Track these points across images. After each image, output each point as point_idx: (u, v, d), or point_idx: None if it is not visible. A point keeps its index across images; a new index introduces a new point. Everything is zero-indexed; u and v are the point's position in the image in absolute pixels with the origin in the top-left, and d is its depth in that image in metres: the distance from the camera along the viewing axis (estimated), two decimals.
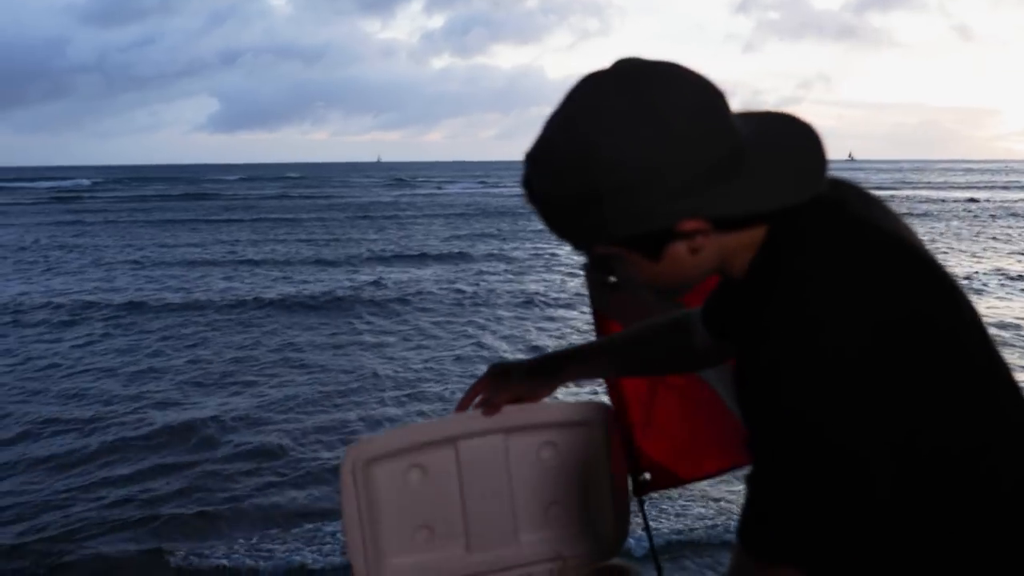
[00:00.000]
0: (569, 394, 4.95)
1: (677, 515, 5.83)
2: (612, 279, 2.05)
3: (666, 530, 5.57)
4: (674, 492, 5.89)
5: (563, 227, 1.14)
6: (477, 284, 17.37)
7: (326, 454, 7.15)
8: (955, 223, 30.79)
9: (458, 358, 10.84)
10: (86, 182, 76.08)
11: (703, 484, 6.10)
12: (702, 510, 5.95)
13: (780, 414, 1.02)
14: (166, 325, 13.14)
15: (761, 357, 1.05)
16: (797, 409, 1.01)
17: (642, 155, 1.02)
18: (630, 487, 2.03)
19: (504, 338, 12.20)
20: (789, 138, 1.13)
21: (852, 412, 1.00)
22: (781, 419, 1.02)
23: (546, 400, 1.87)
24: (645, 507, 2.07)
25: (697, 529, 5.69)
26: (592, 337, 2.09)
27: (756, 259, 1.14)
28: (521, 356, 10.48)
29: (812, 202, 1.09)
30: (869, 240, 1.11)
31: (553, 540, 2.00)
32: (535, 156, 1.12)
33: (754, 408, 1.08)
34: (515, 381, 1.84)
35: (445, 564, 1.95)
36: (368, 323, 13.41)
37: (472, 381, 1.91)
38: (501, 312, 14.26)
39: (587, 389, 5.13)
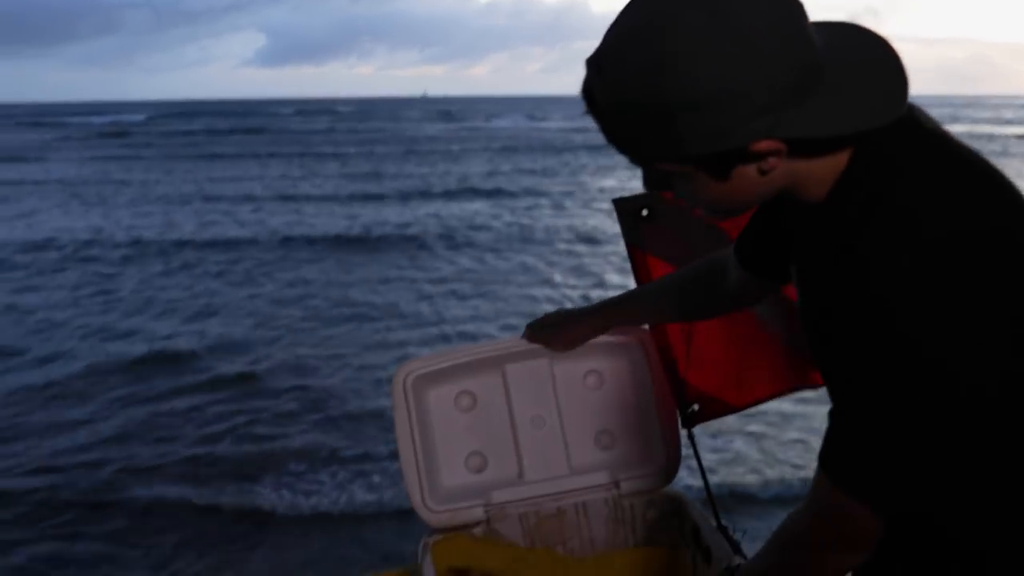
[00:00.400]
0: None
1: (715, 450, 5.88)
2: (645, 212, 2.05)
3: (711, 464, 5.60)
4: (716, 426, 5.91)
5: (626, 142, 1.07)
6: (532, 218, 17.31)
7: (375, 394, 7.20)
8: (1003, 160, 29.99)
9: (514, 296, 10.86)
10: (138, 117, 76.49)
11: (747, 426, 6.15)
12: (742, 447, 6.00)
13: (889, 341, 0.99)
14: (221, 260, 13.33)
15: (865, 286, 1.00)
16: (910, 335, 0.98)
17: (721, 69, 0.95)
18: (679, 418, 2.06)
19: (562, 272, 12.17)
20: (866, 52, 1.06)
21: (962, 334, 0.97)
22: (889, 346, 0.99)
23: None
24: (695, 439, 2.10)
25: (740, 469, 5.74)
26: (628, 270, 2.10)
27: (841, 185, 1.08)
28: (579, 291, 10.52)
29: (894, 123, 1.03)
30: (959, 162, 1.07)
31: (606, 468, 2.04)
32: (602, 64, 1.02)
33: (847, 338, 1.04)
34: (556, 328, 1.95)
35: (499, 490, 2.01)
36: (421, 260, 13.46)
37: (528, 320, 1.97)
38: (560, 246, 14.21)
39: None
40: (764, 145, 1.01)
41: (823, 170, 1.08)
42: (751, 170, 1.05)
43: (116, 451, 6.21)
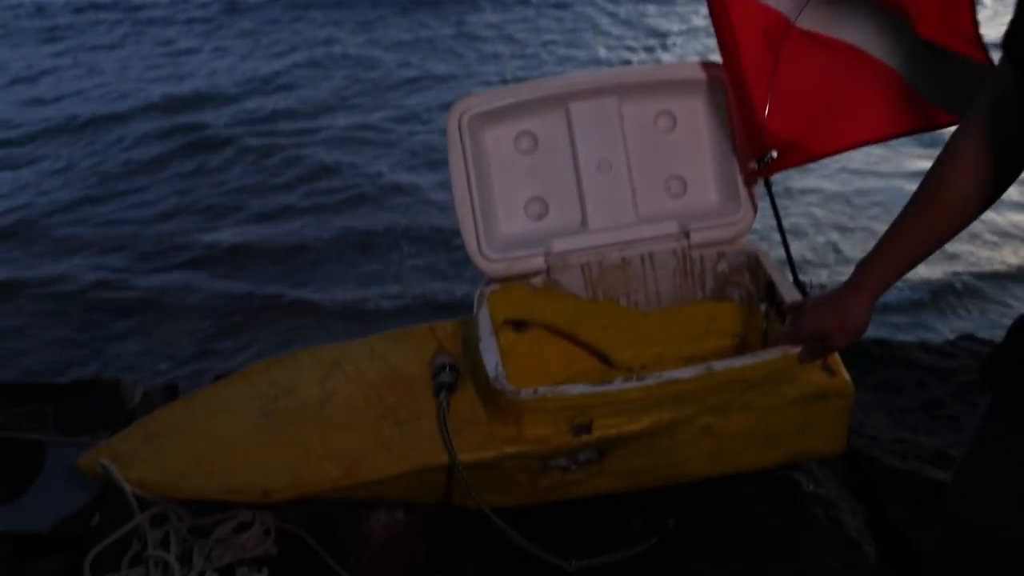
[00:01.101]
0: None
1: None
2: None
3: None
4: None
5: None
6: None
7: (432, 170, 6.86)
8: None
9: (572, 54, 10.21)
10: None
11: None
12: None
13: None
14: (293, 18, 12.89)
15: None
16: None
17: None
18: (755, 165, 1.90)
19: (631, 28, 11.41)
20: None
21: None
22: None
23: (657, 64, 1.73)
24: (772, 189, 1.94)
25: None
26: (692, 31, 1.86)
27: None
28: (644, 52, 9.89)
29: None
30: None
31: (676, 217, 1.91)
32: None
33: None
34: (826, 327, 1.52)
35: (560, 238, 1.90)
36: (479, 15, 12.82)
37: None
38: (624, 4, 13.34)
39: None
40: None
41: None
42: None
43: (160, 229, 6.04)
